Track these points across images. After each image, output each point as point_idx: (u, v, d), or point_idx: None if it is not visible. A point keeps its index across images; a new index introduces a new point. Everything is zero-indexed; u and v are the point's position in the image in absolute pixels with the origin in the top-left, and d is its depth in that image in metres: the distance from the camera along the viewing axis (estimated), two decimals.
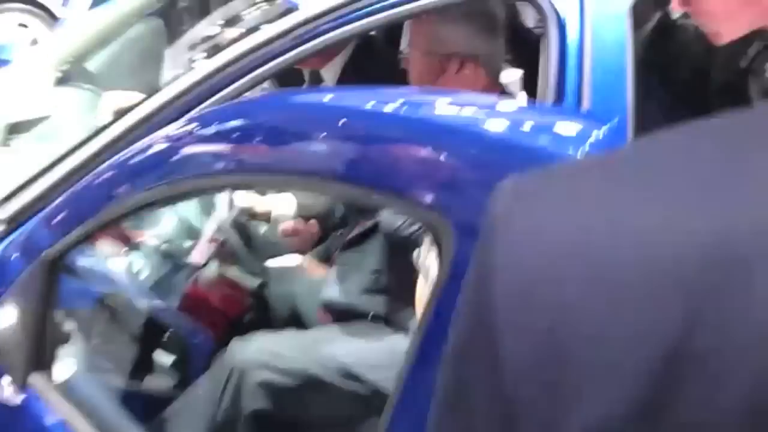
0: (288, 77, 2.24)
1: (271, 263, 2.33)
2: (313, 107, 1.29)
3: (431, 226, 1.08)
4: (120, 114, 2.26)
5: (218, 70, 1.89)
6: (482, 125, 1.16)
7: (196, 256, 2.18)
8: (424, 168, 1.10)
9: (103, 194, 1.51)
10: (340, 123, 1.19)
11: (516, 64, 2.85)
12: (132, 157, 1.45)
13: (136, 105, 1.92)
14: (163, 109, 1.88)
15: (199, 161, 1.33)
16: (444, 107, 1.25)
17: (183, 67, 2.21)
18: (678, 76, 2.31)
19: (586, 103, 1.89)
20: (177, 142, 1.37)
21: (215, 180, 1.33)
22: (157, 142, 1.39)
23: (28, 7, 6.02)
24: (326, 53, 2.41)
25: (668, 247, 0.47)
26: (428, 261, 1.27)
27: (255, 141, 1.31)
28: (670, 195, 0.49)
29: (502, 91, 2.27)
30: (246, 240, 2.31)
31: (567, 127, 1.19)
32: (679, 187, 0.50)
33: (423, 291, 1.32)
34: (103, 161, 1.83)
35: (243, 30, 2.15)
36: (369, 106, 1.22)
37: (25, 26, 6.07)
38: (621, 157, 0.57)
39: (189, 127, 1.39)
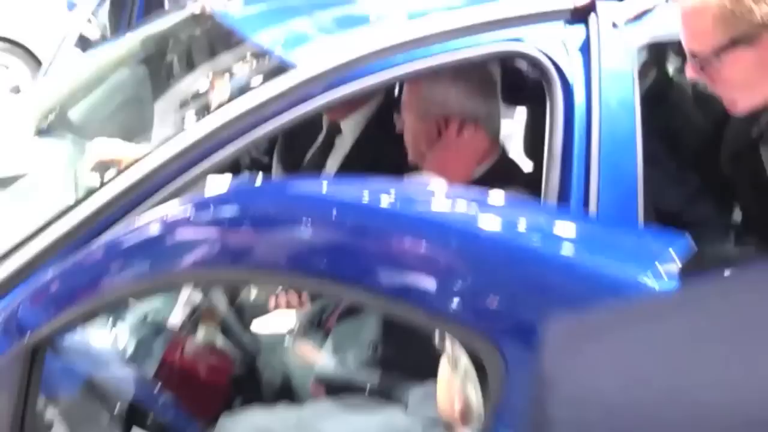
0: (303, 128, 2.17)
1: (260, 326, 2.23)
2: (325, 204, 1.20)
3: (477, 348, 1.01)
4: (104, 167, 2.19)
5: (212, 134, 1.80)
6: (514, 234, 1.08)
7: (173, 320, 2.08)
8: (467, 285, 1.03)
9: (94, 277, 1.41)
10: (351, 219, 1.11)
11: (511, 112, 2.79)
12: (125, 238, 1.36)
13: (127, 168, 1.82)
14: (155, 174, 1.79)
15: (194, 252, 1.25)
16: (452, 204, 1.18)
17: (174, 125, 2.12)
18: (684, 143, 2.26)
19: (594, 170, 1.82)
20: (172, 226, 1.28)
21: (211, 275, 1.25)
22: (152, 224, 1.31)
23: (9, 46, 5.92)
24: (347, 104, 2.33)
25: (720, 408, 0.49)
26: (455, 350, 1.19)
27: (254, 234, 1.23)
28: (719, 351, 0.51)
29: (503, 154, 2.20)
30: (235, 306, 2.21)
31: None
32: (728, 343, 0.52)
33: (449, 379, 1.25)
34: (94, 228, 1.75)
35: (236, 88, 2.06)
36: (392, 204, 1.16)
37: (6, 67, 5.96)
38: (669, 306, 0.59)
39: (185, 212, 1.30)
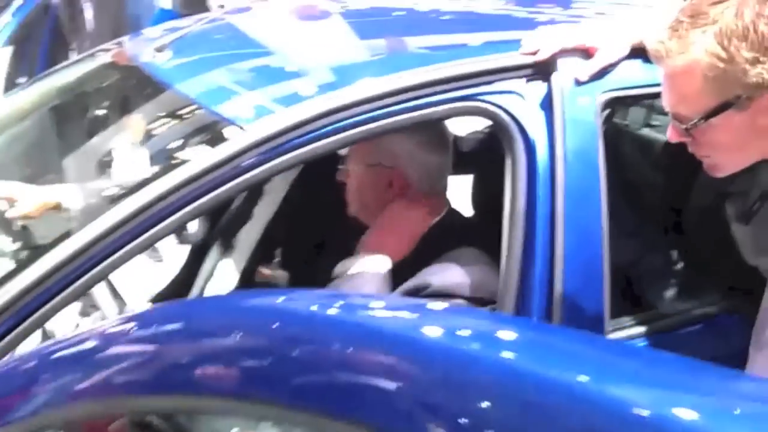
0: None
1: None
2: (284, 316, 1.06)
3: None
4: None
5: (143, 209, 1.62)
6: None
7: None
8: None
9: (20, 389, 1.22)
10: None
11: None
12: (57, 350, 1.19)
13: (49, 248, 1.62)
14: (75, 258, 1.59)
15: (130, 373, 1.09)
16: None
17: (93, 196, 1.91)
18: (642, 196, 2.20)
19: (559, 229, 1.73)
20: (109, 342, 1.12)
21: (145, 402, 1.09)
22: (89, 337, 1.14)
23: None
24: None
25: None
26: None
27: (194, 354, 1.07)
28: None
29: (452, 209, 2.09)
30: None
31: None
32: None
33: None
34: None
35: (169, 151, 1.88)
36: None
37: None
38: None
39: (125, 326, 1.15)
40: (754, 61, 1.37)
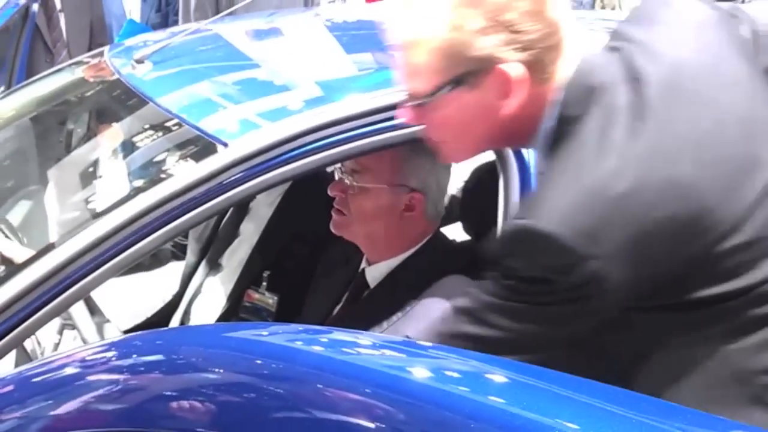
0: None
1: None
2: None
3: None
4: None
5: (123, 226, 1.57)
6: None
7: None
8: None
9: None
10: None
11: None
12: (33, 375, 1.13)
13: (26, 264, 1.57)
14: (53, 275, 1.54)
15: (106, 404, 1.04)
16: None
17: (75, 208, 1.86)
18: None
19: None
20: (89, 369, 1.07)
21: None
22: (69, 363, 1.09)
23: None
24: None
25: None
26: None
27: (175, 388, 1.03)
28: None
29: (438, 230, 2.04)
30: None
31: None
32: None
33: None
34: None
35: (153, 165, 1.83)
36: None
37: None
38: None
39: (106, 354, 1.10)
40: (482, 32, 1.28)
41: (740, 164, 1.31)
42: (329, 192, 1.96)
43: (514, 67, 1.30)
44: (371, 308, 1.88)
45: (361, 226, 1.94)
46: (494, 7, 1.28)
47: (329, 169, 2.08)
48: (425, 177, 1.92)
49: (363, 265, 2.02)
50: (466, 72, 1.31)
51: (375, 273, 1.97)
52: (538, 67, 1.31)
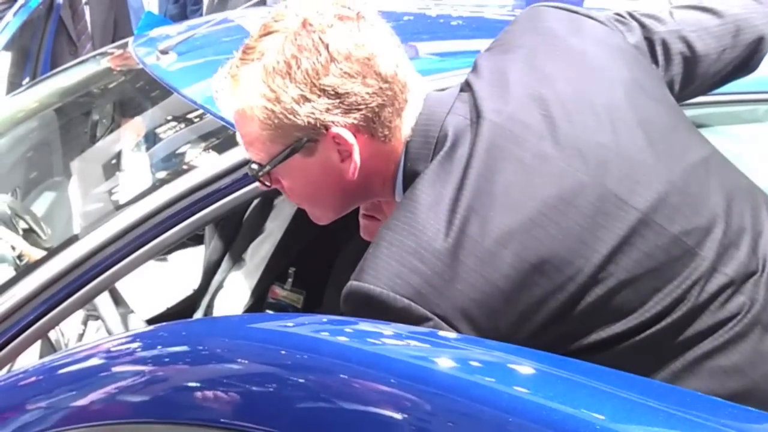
0: None
1: None
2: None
3: None
4: None
5: (147, 217, 1.57)
6: None
7: None
8: None
9: (17, 405, 1.18)
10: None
11: None
12: (59, 366, 1.14)
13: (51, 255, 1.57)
14: (78, 266, 1.55)
15: (131, 395, 1.04)
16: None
17: (99, 199, 1.87)
18: None
19: None
20: (114, 360, 1.07)
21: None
22: (94, 353, 1.09)
23: None
24: None
25: None
26: None
27: (200, 379, 1.02)
28: None
29: None
30: None
31: None
32: None
33: None
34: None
35: (178, 156, 1.83)
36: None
37: None
38: None
39: (131, 345, 1.10)
40: (302, 100, 1.21)
41: (589, 211, 1.19)
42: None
43: (344, 131, 1.23)
44: None
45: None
46: (310, 73, 1.21)
47: None
48: None
49: None
50: (298, 139, 1.25)
51: None
52: (374, 125, 1.25)
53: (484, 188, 1.19)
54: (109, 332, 1.82)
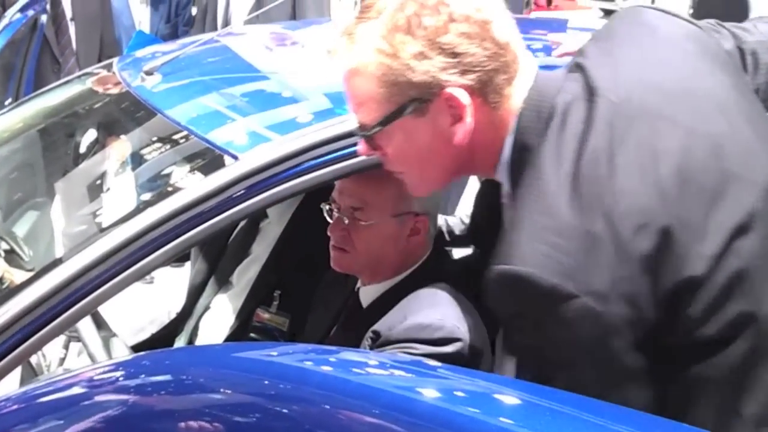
0: None
1: None
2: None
3: None
4: None
5: (130, 240, 1.55)
6: None
7: None
8: None
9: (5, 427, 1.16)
10: None
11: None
12: (40, 394, 1.12)
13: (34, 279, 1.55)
14: (61, 290, 1.52)
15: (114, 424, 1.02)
16: None
17: (83, 221, 1.85)
18: None
19: None
20: (97, 389, 1.05)
21: None
22: (75, 382, 1.08)
23: None
24: None
25: None
26: None
27: (183, 408, 1.01)
28: None
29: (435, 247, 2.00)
30: None
31: None
32: None
33: None
34: None
35: (162, 178, 1.82)
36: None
37: None
38: None
39: (115, 374, 1.08)
40: (420, 57, 1.24)
41: (711, 186, 1.23)
42: (329, 233, 1.90)
43: (459, 91, 1.25)
44: (362, 330, 1.83)
45: (368, 259, 1.89)
46: (430, 30, 1.24)
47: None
48: (426, 199, 1.89)
49: (358, 284, 1.98)
50: (411, 99, 1.27)
51: (369, 293, 1.93)
52: (486, 90, 1.27)
53: (608, 164, 1.21)
54: (91, 357, 1.80)
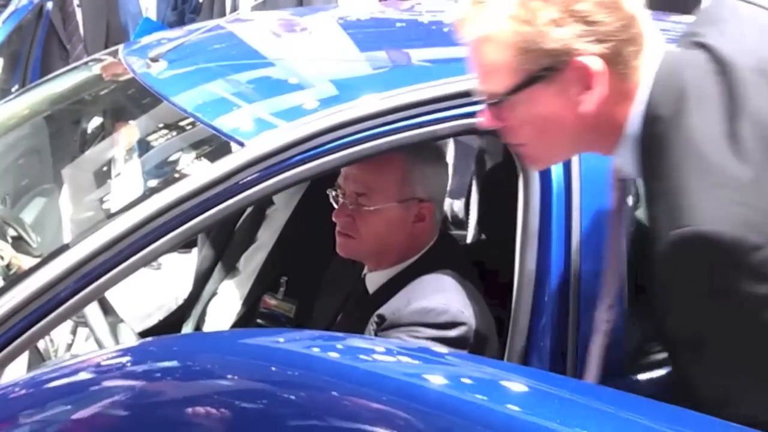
0: None
1: None
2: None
3: None
4: None
5: (137, 227, 1.55)
6: None
7: None
8: None
9: (11, 412, 1.16)
10: None
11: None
12: (48, 379, 1.12)
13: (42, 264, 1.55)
14: (69, 275, 1.53)
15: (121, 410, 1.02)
16: None
17: (90, 208, 1.85)
18: None
19: (575, 247, 1.66)
20: (103, 375, 1.06)
21: None
22: (82, 368, 1.08)
23: None
24: None
25: None
26: None
27: (190, 394, 1.01)
28: None
29: (442, 233, 2.00)
30: None
31: None
32: None
33: None
34: None
35: (169, 164, 1.82)
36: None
37: None
38: None
39: (122, 359, 1.08)
40: (555, 24, 1.25)
41: None
42: (334, 219, 1.90)
43: (592, 59, 1.26)
44: (368, 316, 1.83)
45: (373, 245, 1.89)
46: None
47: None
48: (431, 184, 1.89)
49: (365, 270, 1.99)
50: (543, 67, 1.28)
51: (375, 280, 1.94)
52: (617, 60, 1.29)
53: (757, 121, 1.25)
54: (98, 342, 1.80)
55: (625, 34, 1.28)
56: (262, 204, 2.39)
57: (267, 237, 2.39)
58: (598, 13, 1.26)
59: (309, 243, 2.29)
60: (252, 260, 2.40)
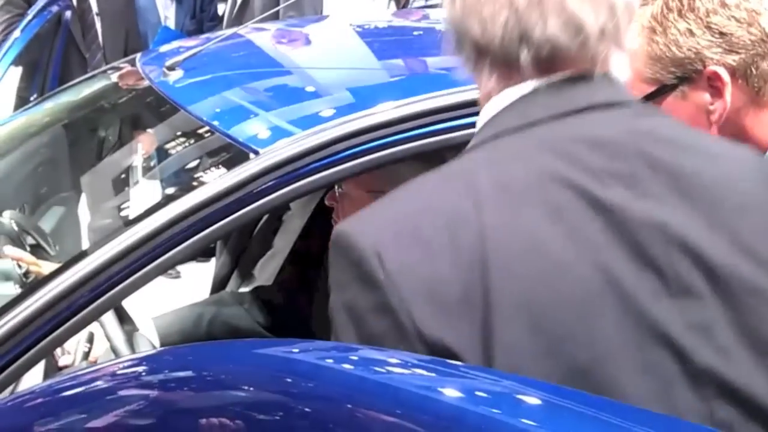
0: None
1: None
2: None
3: None
4: None
5: (153, 235, 1.56)
6: None
7: None
8: None
9: (29, 425, 1.16)
10: None
11: None
12: (64, 388, 1.12)
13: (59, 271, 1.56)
14: (86, 283, 1.53)
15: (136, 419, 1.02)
16: None
17: (107, 216, 1.86)
18: None
19: None
20: (120, 384, 1.06)
21: None
22: (98, 377, 1.08)
23: None
24: None
25: None
26: None
27: (205, 404, 1.00)
28: None
29: None
30: None
31: None
32: None
33: None
34: None
35: (185, 173, 1.82)
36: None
37: None
38: None
39: (137, 368, 1.08)
40: (687, 33, 1.29)
41: None
42: (326, 201, 1.94)
43: (721, 69, 1.29)
44: None
45: None
46: (701, 12, 1.29)
47: None
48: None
49: None
50: (674, 77, 1.31)
51: None
52: (749, 72, 1.30)
53: None
54: (115, 351, 1.81)
55: (759, 49, 1.30)
56: (279, 210, 2.40)
57: (282, 244, 2.40)
58: (732, 26, 1.29)
59: (324, 250, 2.28)
60: (268, 267, 2.40)
